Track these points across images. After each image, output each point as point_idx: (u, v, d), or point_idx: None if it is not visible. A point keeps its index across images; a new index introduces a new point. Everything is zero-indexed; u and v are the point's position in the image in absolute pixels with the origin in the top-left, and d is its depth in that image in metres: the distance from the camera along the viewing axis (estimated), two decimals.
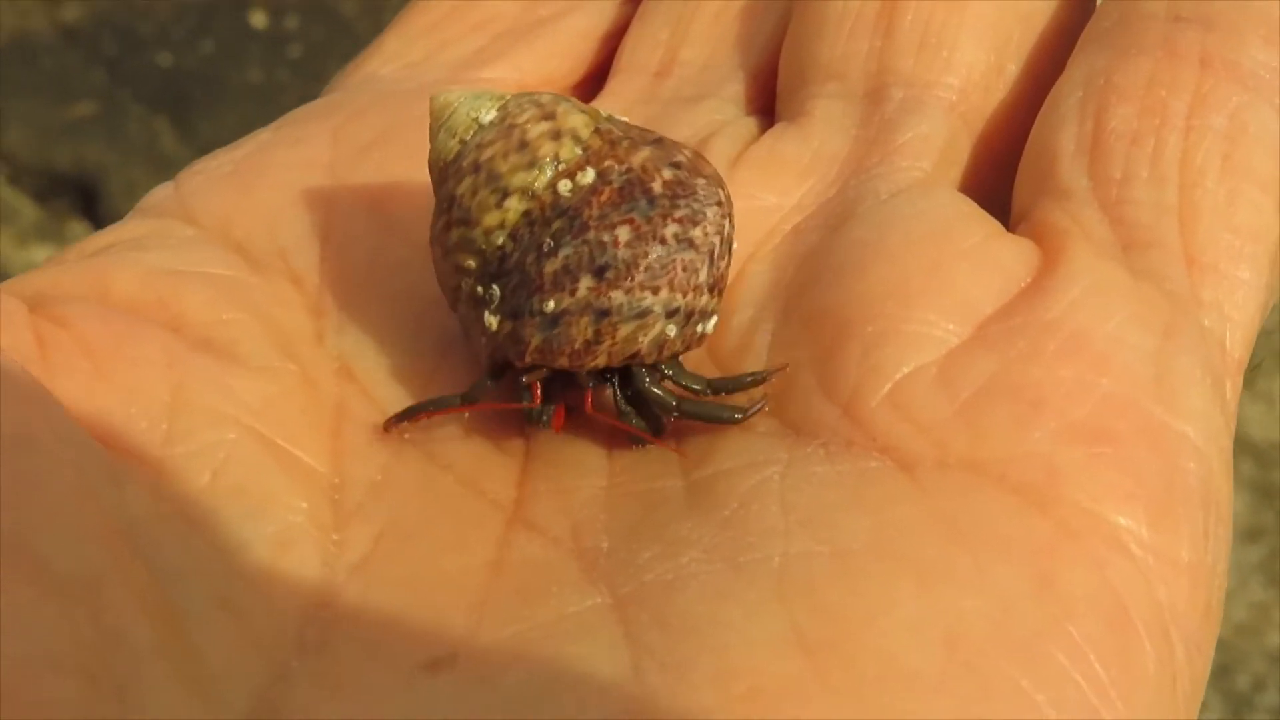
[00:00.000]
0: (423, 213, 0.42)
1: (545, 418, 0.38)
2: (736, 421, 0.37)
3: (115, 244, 0.42)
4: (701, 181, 0.38)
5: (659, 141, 0.39)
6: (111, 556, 0.31)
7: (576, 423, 0.39)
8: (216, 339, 0.39)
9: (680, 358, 0.39)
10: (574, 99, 0.40)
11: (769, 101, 0.47)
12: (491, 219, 0.38)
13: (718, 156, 0.43)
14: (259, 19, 1.58)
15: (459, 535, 0.36)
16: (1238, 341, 0.37)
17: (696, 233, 0.38)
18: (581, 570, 0.35)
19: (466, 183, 0.39)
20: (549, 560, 0.35)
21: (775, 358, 0.39)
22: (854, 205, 0.41)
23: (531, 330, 0.38)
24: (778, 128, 0.45)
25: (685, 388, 0.38)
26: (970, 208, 0.40)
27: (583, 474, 0.38)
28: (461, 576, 0.35)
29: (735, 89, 0.48)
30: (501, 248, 0.38)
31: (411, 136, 0.44)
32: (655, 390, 0.38)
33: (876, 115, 0.43)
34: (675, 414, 0.38)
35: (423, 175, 0.42)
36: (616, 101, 0.48)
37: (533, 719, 0.31)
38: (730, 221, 0.38)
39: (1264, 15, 0.40)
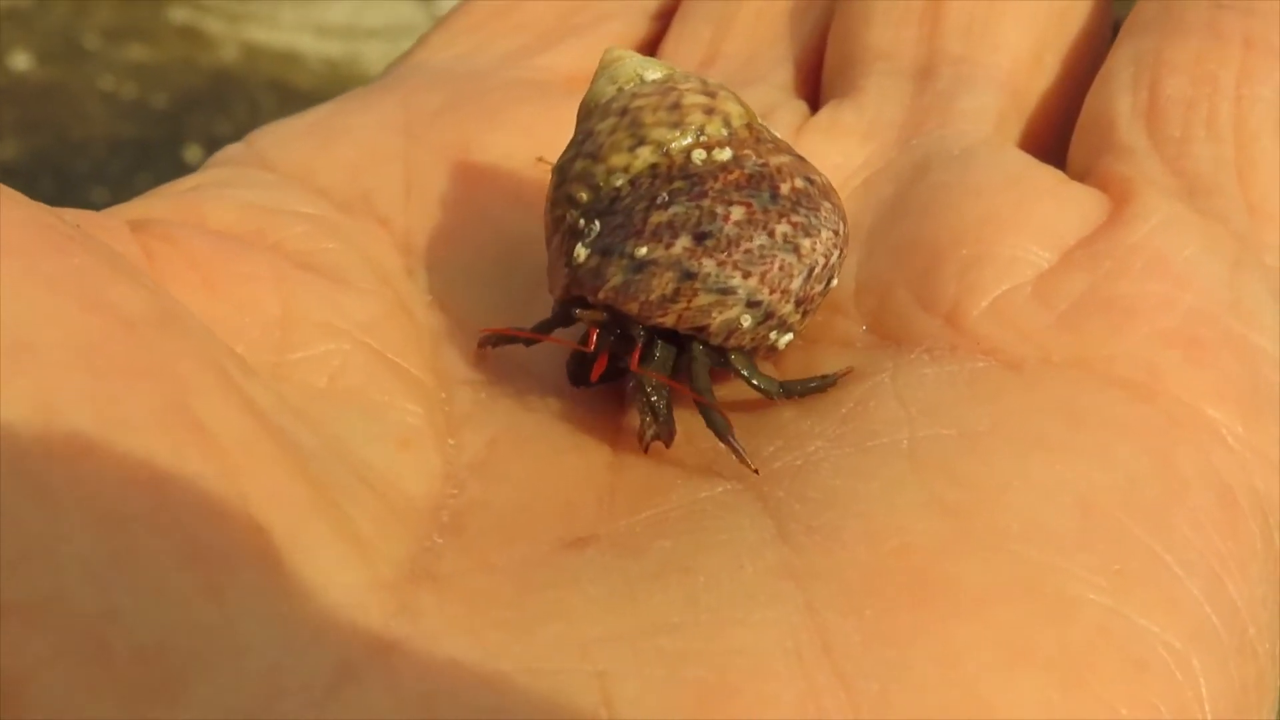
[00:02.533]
0: (505, 169, 0.45)
1: (588, 364, 0.38)
2: (725, 439, 0.37)
3: (201, 185, 0.43)
4: (828, 205, 0.39)
5: (801, 158, 0.40)
6: (260, 424, 0.32)
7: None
8: (319, 264, 0.40)
9: (753, 359, 0.39)
10: (738, 94, 0.41)
11: (813, 92, 0.51)
12: (618, 160, 0.39)
13: (781, 128, 0.45)
14: (194, 153, 1.60)
15: (572, 441, 0.38)
16: None
17: (805, 243, 0.38)
18: (702, 467, 0.36)
19: (609, 122, 0.40)
20: (668, 459, 0.37)
21: (864, 283, 0.41)
22: (928, 158, 0.44)
23: (615, 270, 0.38)
24: (833, 103, 0.48)
25: (757, 387, 0.38)
26: (1037, 162, 0.44)
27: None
28: (583, 474, 0.37)
29: (782, 77, 0.51)
30: (617, 189, 0.39)
31: (480, 105, 0.47)
32: (699, 368, 0.38)
33: (930, 88, 0.47)
34: (696, 398, 0.38)
35: (499, 137, 0.45)
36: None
37: (688, 576, 0.32)
38: (840, 254, 0.39)
39: None
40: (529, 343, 0.39)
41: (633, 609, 0.31)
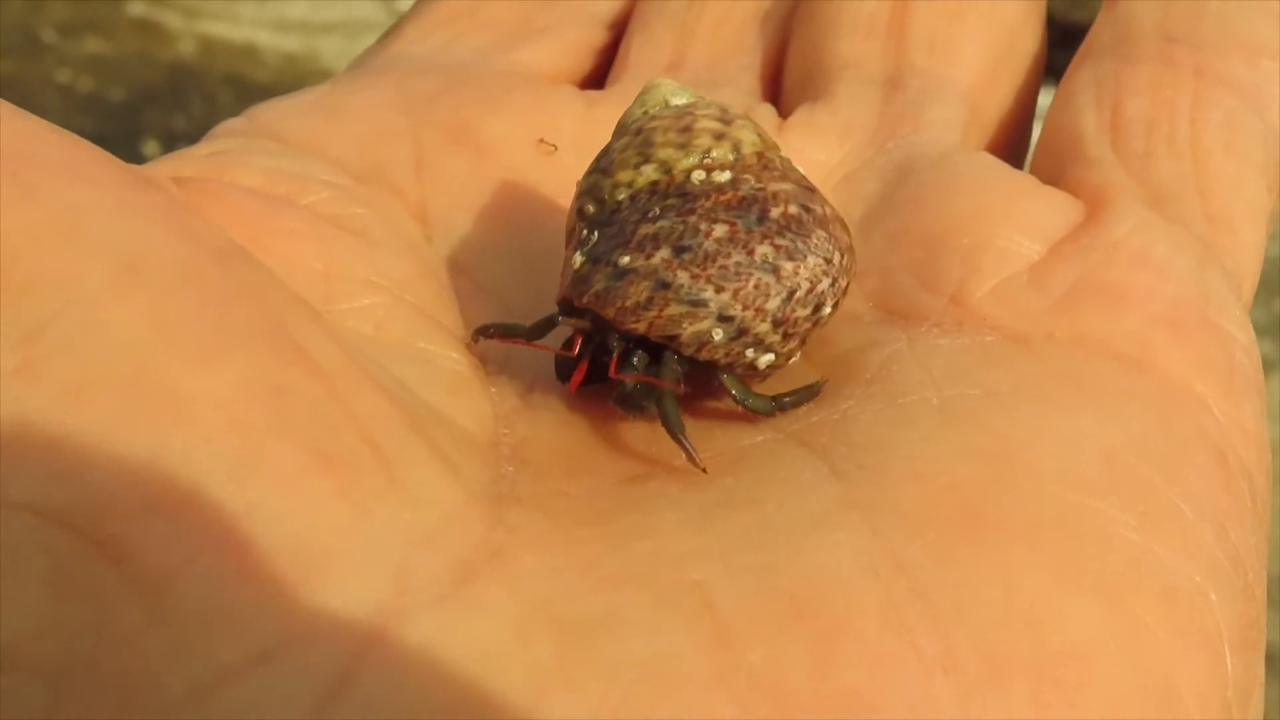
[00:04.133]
0: (509, 149, 0.47)
1: (568, 370, 0.40)
2: (675, 436, 0.38)
3: (222, 150, 0.44)
4: (821, 234, 0.40)
5: (810, 190, 0.41)
6: (346, 351, 0.34)
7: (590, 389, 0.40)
8: (351, 227, 0.42)
9: (742, 377, 0.40)
10: (760, 125, 0.43)
11: (774, 98, 0.53)
12: (624, 176, 0.41)
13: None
14: (151, 148, 1.59)
15: (603, 395, 0.40)
16: (1245, 289, 0.44)
17: (787, 265, 0.39)
18: (738, 416, 0.39)
19: (624, 140, 0.42)
20: (701, 412, 0.39)
21: (864, 267, 0.43)
22: (908, 160, 0.47)
23: (600, 276, 0.39)
24: (806, 105, 0.50)
25: (740, 401, 0.39)
26: (1011, 167, 0.47)
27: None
28: (623, 423, 0.39)
29: (748, 82, 0.53)
30: (619, 203, 0.41)
31: (476, 90, 0.49)
32: (668, 373, 0.39)
33: (899, 97, 0.50)
34: (655, 406, 0.38)
35: (498, 120, 0.47)
36: (632, 89, 0.52)
37: (756, 506, 0.34)
38: (832, 285, 0.40)
39: (1241, 37, 0.48)
40: (530, 336, 0.41)
41: (713, 531, 0.33)
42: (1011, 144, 0.52)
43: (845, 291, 0.41)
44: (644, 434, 0.39)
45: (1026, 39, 0.53)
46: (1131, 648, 0.32)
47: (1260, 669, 0.36)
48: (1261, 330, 1.44)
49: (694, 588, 0.31)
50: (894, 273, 0.43)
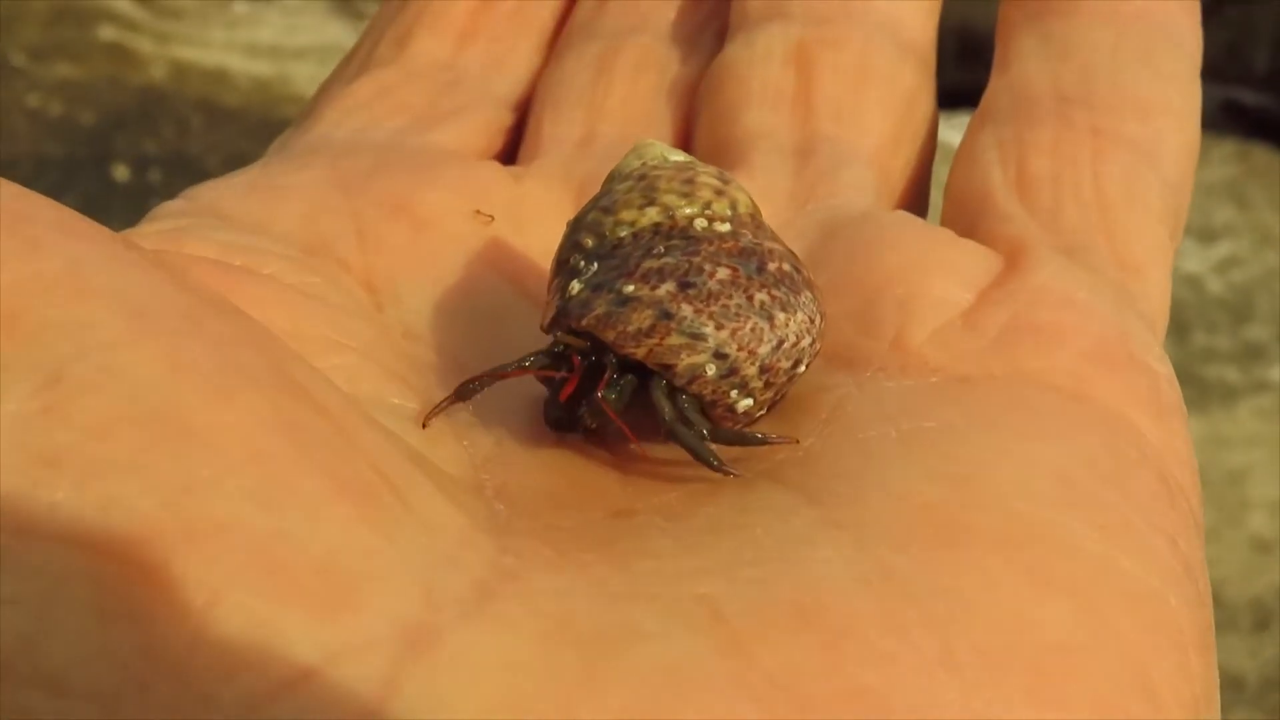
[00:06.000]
0: (447, 219, 0.48)
1: (560, 390, 0.41)
2: (714, 468, 0.39)
3: (174, 228, 0.46)
4: (808, 294, 0.42)
5: (794, 255, 0.44)
6: (345, 400, 0.35)
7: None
8: (311, 294, 0.43)
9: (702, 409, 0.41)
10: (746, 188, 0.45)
11: None
12: (627, 215, 0.43)
13: None
14: (121, 172, 1.59)
15: (570, 443, 0.41)
16: (1159, 327, 0.47)
17: (780, 315, 0.41)
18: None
19: (626, 184, 0.44)
20: (667, 458, 0.41)
21: None
22: (831, 220, 0.49)
23: (601, 302, 0.41)
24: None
25: (689, 421, 0.40)
26: (930, 223, 0.50)
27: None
28: (594, 468, 0.40)
29: None
30: (620, 239, 0.42)
31: (407, 166, 0.50)
32: (663, 401, 0.40)
33: (812, 164, 0.53)
34: (666, 433, 0.40)
35: (433, 193, 0.49)
36: (552, 162, 0.54)
37: (743, 530, 0.35)
38: (810, 345, 0.42)
39: (1132, 97, 0.52)
40: (519, 366, 0.42)
41: (708, 551, 0.34)
42: (915, 203, 0.55)
43: (816, 355, 0.43)
44: (622, 475, 0.40)
45: (922, 103, 0.57)
46: (1110, 647, 0.34)
47: (1215, 674, 0.38)
48: (1228, 357, 1.46)
49: (701, 600, 0.32)
50: (833, 321, 0.44)
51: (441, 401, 0.41)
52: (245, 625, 0.28)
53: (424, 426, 0.40)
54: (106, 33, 1.72)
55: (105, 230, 0.35)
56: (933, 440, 0.39)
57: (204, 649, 0.28)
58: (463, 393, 0.41)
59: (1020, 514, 0.36)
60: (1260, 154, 1.65)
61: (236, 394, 0.31)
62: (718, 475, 0.39)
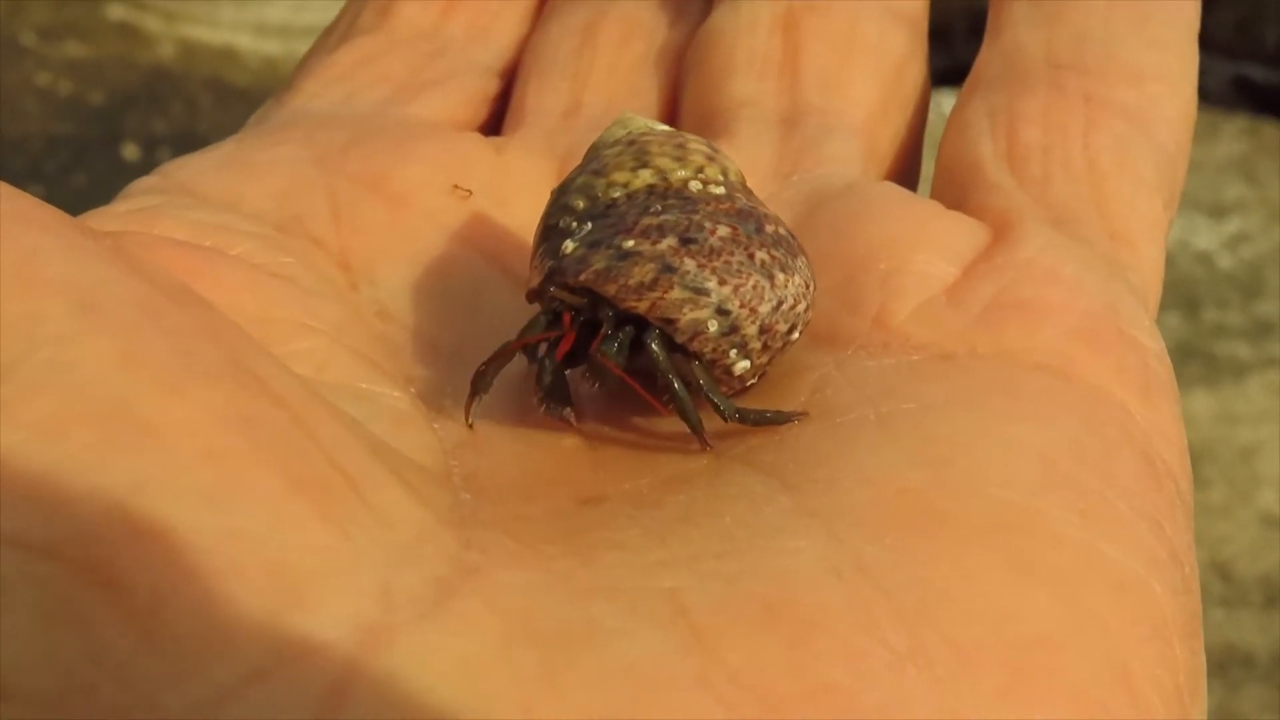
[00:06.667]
0: (424, 195, 0.47)
1: (554, 346, 0.40)
2: (697, 436, 0.39)
3: (144, 207, 0.45)
4: (803, 259, 0.42)
5: (785, 224, 0.43)
6: (302, 383, 0.35)
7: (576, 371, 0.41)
8: (281, 275, 0.43)
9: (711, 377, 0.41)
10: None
11: None
12: (619, 176, 0.42)
13: None
14: (131, 151, 1.59)
15: (541, 427, 0.41)
16: (1151, 300, 0.46)
17: (780, 275, 0.41)
18: (675, 447, 0.40)
19: (616, 149, 0.43)
20: (638, 442, 0.40)
21: None
22: (816, 192, 0.48)
23: (600, 258, 0.40)
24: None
25: (713, 404, 0.40)
26: (917, 195, 0.49)
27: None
28: (565, 453, 0.40)
29: None
30: (614, 200, 0.42)
31: (385, 140, 0.50)
32: (661, 354, 0.40)
33: (798, 134, 0.52)
34: (664, 394, 0.40)
35: (410, 168, 0.48)
36: (535, 133, 0.53)
37: (715, 519, 0.35)
38: (805, 311, 0.42)
39: (1125, 63, 0.50)
40: (521, 335, 0.41)
41: (676, 542, 0.34)
42: (905, 174, 0.54)
43: (808, 325, 0.42)
44: (592, 461, 0.40)
45: (912, 71, 0.55)
46: (1090, 638, 0.33)
47: (1203, 660, 0.37)
48: (1238, 333, 1.46)
49: (666, 595, 0.32)
50: (818, 297, 0.43)
51: (468, 400, 0.40)
52: (193, 628, 0.28)
53: (470, 427, 0.40)
54: (115, 12, 1.72)
55: (66, 218, 0.34)
56: (912, 422, 0.38)
57: (150, 653, 0.28)
58: (479, 384, 0.41)
59: (999, 499, 0.35)
60: (1270, 130, 1.64)
61: (190, 388, 0.31)
62: (692, 455, 0.39)
